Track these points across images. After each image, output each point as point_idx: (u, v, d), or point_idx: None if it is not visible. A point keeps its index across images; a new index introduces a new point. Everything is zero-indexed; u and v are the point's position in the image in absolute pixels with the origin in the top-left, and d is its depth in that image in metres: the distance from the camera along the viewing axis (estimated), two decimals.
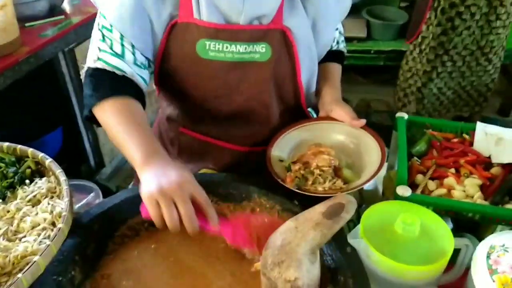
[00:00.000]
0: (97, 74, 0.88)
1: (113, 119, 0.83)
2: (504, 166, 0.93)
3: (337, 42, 1.10)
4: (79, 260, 0.74)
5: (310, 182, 0.83)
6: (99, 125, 0.88)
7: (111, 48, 0.87)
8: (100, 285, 0.74)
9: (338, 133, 0.97)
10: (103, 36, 0.88)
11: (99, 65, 0.87)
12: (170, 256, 0.79)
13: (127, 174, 2.26)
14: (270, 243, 0.71)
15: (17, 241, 0.72)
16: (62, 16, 1.88)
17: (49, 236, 0.72)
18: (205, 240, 0.81)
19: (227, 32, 0.87)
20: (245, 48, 0.88)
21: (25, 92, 1.90)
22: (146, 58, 0.91)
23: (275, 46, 0.90)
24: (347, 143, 0.95)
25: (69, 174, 0.82)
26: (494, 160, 0.94)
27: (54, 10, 1.90)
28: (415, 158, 0.99)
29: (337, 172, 0.86)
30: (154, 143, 0.80)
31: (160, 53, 0.91)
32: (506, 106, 2.78)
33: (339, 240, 0.73)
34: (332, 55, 1.08)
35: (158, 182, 0.70)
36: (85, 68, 0.90)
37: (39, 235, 0.72)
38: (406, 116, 1.05)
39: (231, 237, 0.76)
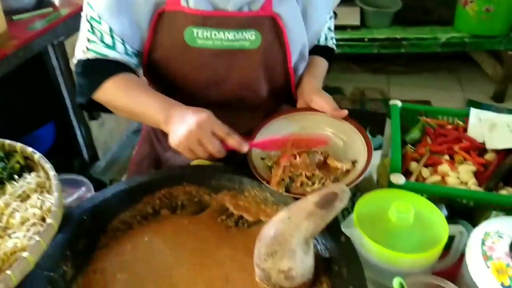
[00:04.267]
0: (89, 64, 0.89)
1: (120, 93, 0.87)
2: (498, 152, 0.93)
3: (326, 38, 1.09)
4: (70, 255, 0.73)
5: (298, 184, 0.81)
6: (96, 110, 0.93)
7: (101, 40, 0.88)
8: (92, 279, 0.73)
9: (321, 124, 0.93)
10: (92, 27, 0.88)
11: (90, 55, 0.89)
12: (165, 248, 0.78)
13: (121, 167, 2.25)
14: (263, 234, 0.70)
15: (6, 237, 0.70)
16: (51, 9, 1.86)
17: (38, 231, 0.71)
18: (202, 230, 0.81)
19: (215, 19, 0.85)
20: (234, 35, 0.87)
21: (15, 86, 1.88)
22: (135, 49, 0.91)
23: (265, 33, 0.89)
24: (330, 136, 0.92)
25: (62, 169, 0.81)
26: (488, 146, 0.94)
27: (42, 2, 1.87)
28: (409, 145, 0.98)
29: (325, 164, 0.84)
30: (166, 100, 0.86)
31: (148, 43, 0.89)
32: (500, 92, 2.78)
33: (333, 230, 0.73)
34: (319, 50, 1.07)
35: (181, 131, 0.78)
36: (75, 61, 0.91)
37: (28, 230, 0.71)
38: (399, 103, 1.04)
39: (263, 147, 0.87)
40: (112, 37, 0.88)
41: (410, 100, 2.32)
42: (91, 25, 0.87)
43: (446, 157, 0.93)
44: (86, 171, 2.05)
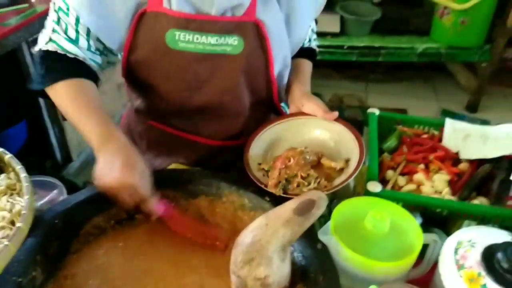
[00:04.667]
0: (48, 56, 0.88)
1: (66, 102, 0.85)
2: (471, 162, 0.95)
3: (309, 40, 1.10)
4: (40, 260, 0.70)
5: (295, 185, 0.81)
6: (48, 98, 0.90)
7: (65, 33, 0.86)
8: (63, 285, 0.71)
9: (314, 128, 0.95)
10: (59, 18, 0.87)
11: (51, 47, 0.87)
12: (140, 254, 0.77)
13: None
14: (240, 240, 0.70)
15: None
16: (26, 5, 1.80)
17: (7, 235, 0.69)
18: (178, 236, 0.80)
19: (198, 22, 0.84)
20: (217, 40, 0.86)
21: None
22: (105, 46, 0.90)
23: (248, 39, 0.88)
24: (323, 137, 0.94)
25: (34, 170, 0.79)
26: (462, 156, 0.96)
27: None
28: (386, 153, 1.00)
29: (319, 164, 0.85)
30: (108, 125, 0.81)
31: (128, 43, 0.88)
32: (473, 102, 2.85)
33: (309, 237, 0.73)
34: (304, 52, 1.07)
35: (104, 177, 0.75)
36: (37, 49, 0.90)
37: None
38: (377, 111, 1.05)
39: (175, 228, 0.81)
40: (76, 31, 0.86)
41: (387, 108, 2.36)
42: (58, 16, 0.86)
43: (422, 166, 0.94)
44: (58, 173, 1.99)
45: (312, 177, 0.82)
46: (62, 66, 0.87)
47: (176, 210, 0.82)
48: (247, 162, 0.88)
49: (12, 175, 0.80)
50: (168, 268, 0.74)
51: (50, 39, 0.87)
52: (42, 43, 0.88)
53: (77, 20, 0.85)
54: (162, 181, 0.84)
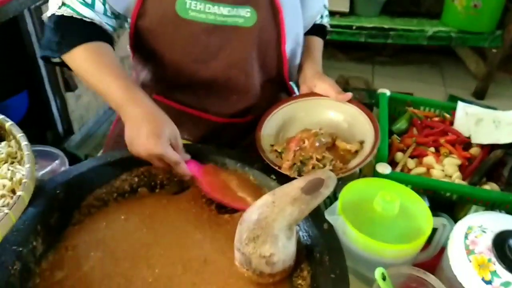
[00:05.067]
0: (63, 21, 0.84)
1: (86, 66, 0.82)
2: (483, 147, 0.93)
3: (321, 16, 1.06)
4: (41, 230, 0.69)
5: (310, 167, 0.79)
6: (60, 66, 0.88)
7: None
8: (64, 256, 0.70)
9: (327, 109, 0.93)
10: None
11: (65, 12, 0.83)
12: (142, 227, 0.75)
13: (97, 142, 2.18)
14: (245, 217, 0.68)
15: None
16: None
17: (8, 204, 0.67)
18: (182, 210, 0.78)
19: None
20: (229, 11, 0.83)
21: None
22: (117, 12, 0.86)
23: (261, 11, 0.85)
24: (336, 119, 0.92)
25: (35, 141, 0.77)
26: (474, 140, 0.94)
27: None
28: (395, 135, 0.98)
29: (333, 146, 0.84)
30: (132, 88, 0.79)
31: (136, 10, 0.84)
32: (481, 89, 2.81)
33: (316, 216, 0.71)
34: (315, 29, 1.04)
35: (131, 146, 0.76)
36: (49, 14, 0.85)
37: None
38: (388, 92, 1.03)
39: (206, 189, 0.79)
40: None
41: (393, 91, 2.33)
42: None
43: (432, 149, 0.92)
44: (60, 145, 1.97)
45: (327, 159, 0.80)
46: (79, 30, 0.83)
47: (207, 171, 0.81)
48: (259, 143, 0.86)
49: (13, 143, 0.78)
50: (171, 242, 0.73)
51: (64, 4, 0.83)
52: (55, 8, 0.84)
53: None
54: None
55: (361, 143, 0.84)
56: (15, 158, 0.76)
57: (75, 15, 0.83)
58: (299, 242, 0.71)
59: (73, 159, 0.98)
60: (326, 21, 1.09)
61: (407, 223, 0.72)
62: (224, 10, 0.83)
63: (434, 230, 0.76)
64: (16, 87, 1.88)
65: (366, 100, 2.58)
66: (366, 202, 0.73)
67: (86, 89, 2.10)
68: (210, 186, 0.79)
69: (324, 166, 0.80)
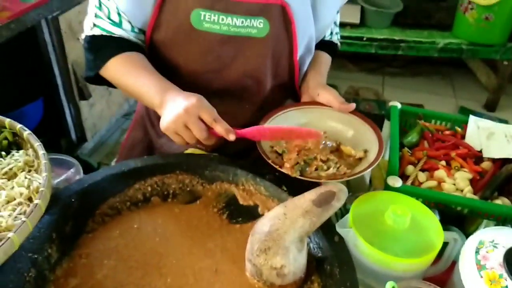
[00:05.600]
0: (95, 40, 0.89)
1: (120, 74, 0.88)
2: (494, 161, 0.93)
3: (331, 33, 1.07)
4: (56, 238, 0.71)
5: (313, 168, 0.79)
6: (104, 85, 0.94)
7: (108, 17, 0.87)
8: (78, 264, 0.71)
9: (329, 118, 0.93)
10: (100, 3, 0.87)
11: (96, 32, 0.89)
12: (155, 236, 0.76)
13: (109, 150, 2.21)
14: (257, 228, 0.69)
15: None
16: None
17: (25, 211, 0.68)
18: (193, 220, 0.79)
19: (224, 3, 0.83)
20: (242, 21, 0.85)
21: (4, 59, 1.83)
22: (137, 26, 0.90)
23: (273, 22, 0.86)
24: (340, 128, 0.92)
25: (49, 148, 0.78)
26: (485, 154, 0.93)
27: None
28: (406, 148, 0.98)
29: (338, 151, 0.84)
30: (164, 83, 0.85)
31: (152, 22, 0.87)
32: (492, 101, 2.80)
33: (326, 229, 0.72)
34: (324, 45, 1.05)
35: (170, 115, 0.78)
36: (83, 36, 0.92)
37: (14, 210, 0.68)
38: (399, 105, 1.03)
39: (251, 137, 0.83)
40: (118, 14, 0.87)
41: (403, 103, 2.32)
42: (99, 1, 0.87)
43: (443, 162, 0.92)
44: (73, 152, 2.01)
45: (332, 162, 0.80)
46: (110, 46, 0.88)
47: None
48: (259, 144, 0.85)
49: (30, 151, 0.79)
50: (183, 251, 0.73)
51: (94, 25, 0.88)
52: (88, 30, 0.90)
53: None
54: (179, 165, 0.84)
55: (365, 151, 0.84)
56: (32, 166, 0.78)
57: (105, 33, 0.88)
58: (309, 254, 0.71)
59: (86, 166, 1.00)
60: (336, 38, 1.10)
61: (418, 237, 0.72)
62: (238, 21, 0.84)
63: (445, 244, 0.76)
64: (32, 95, 1.92)
65: (376, 111, 2.58)
66: (377, 215, 0.74)
67: (99, 98, 2.14)
68: (261, 135, 0.83)
69: (328, 168, 0.79)
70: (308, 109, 0.95)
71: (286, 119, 0.93)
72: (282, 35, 0.89)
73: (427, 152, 0.94)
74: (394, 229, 0.71)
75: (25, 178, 0.73)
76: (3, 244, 0.59)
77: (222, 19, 0.84)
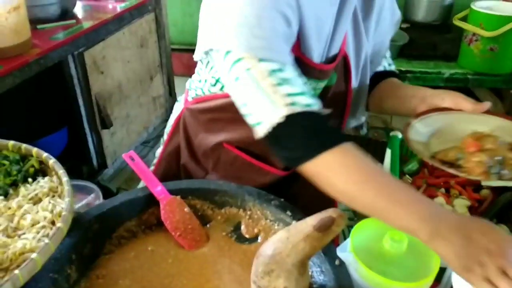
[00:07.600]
0: (287, 125, 0.72)
1: (352, 184, 0.70)
2: (493, 189, 0.95)
3: (389, 64, 1.08)
4: (75, 259, 0.76)
5: (510, 168, 0.68)
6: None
7: (294, 89, 0.72)
8: (95, 284, 0.76)
9: (468, 123, 0.81)
10: (279, 82, 0.71)
11: (292, 110, 0.71)
12: (168, 258, 0.81)
13: (128, 175, 2.29)
14: (262, 251, 0.73)
15: (16, 237, 0.73)
16: (74, 21, 1.92)
17: (48, 234, 0.73)
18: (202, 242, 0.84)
19: (317, 72, 0.82)
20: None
21: (33, 92, 1.94)
22: None
23: (339, 72, 0.89)
24: (485, 130, 0.80)
25: (72, 174, 0.83)
26: (484, 183, 0.96)
27: (66, 14, 1.94)
28: (407, 176, 1.01)
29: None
30: (429, 208, 0.65)
31: None
32: None
33: (328, 253, 0.75)
34: (389, 75, 1.04)
35: (470, 256, 0.59)
36: (267, 125, 0.72)
37: (38, 232, 0.73)
38: (400, 135, 1.07)
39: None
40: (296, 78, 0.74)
41: None
42: (276, 78, 0.71)
43: (442, 190, 0.95)
44: (94, 178, 2.08)
45: None
46: (309, 133, 0.72)
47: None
48: (408, 139, 0.78)
49: (54, 178, 0.85)
50: (194, 273, 0.78)
51: (289, 103, 0.71)
52: (281, 114, 0.70)
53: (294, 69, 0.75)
54: (191, 192, 0.89)
55: None
56: (56, 192, 0.83)
57: (298, 110, 0.72)
58: (311, 277, 0.75)
59: (106, 191, 1.06)
60: (393, 68, 1.09)
61: (416, 262, 0.75)
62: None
63: (444, 269, 0.78)
64: (57, 124, 2.02)
65: (384, 139, 2.60)
66: (376, 240, 0.77)
67: (120, 127, 2.23)
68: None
69: None
70: (435, 117, 0.84)
71: (428, 126, 0.84)
72: (340, 80, 0.91)
73: (427, 180, 0.97)
74: (392, 253, 0.74)
75: (49, 202, 0.79)
76: (27, 264, 0.63)
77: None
